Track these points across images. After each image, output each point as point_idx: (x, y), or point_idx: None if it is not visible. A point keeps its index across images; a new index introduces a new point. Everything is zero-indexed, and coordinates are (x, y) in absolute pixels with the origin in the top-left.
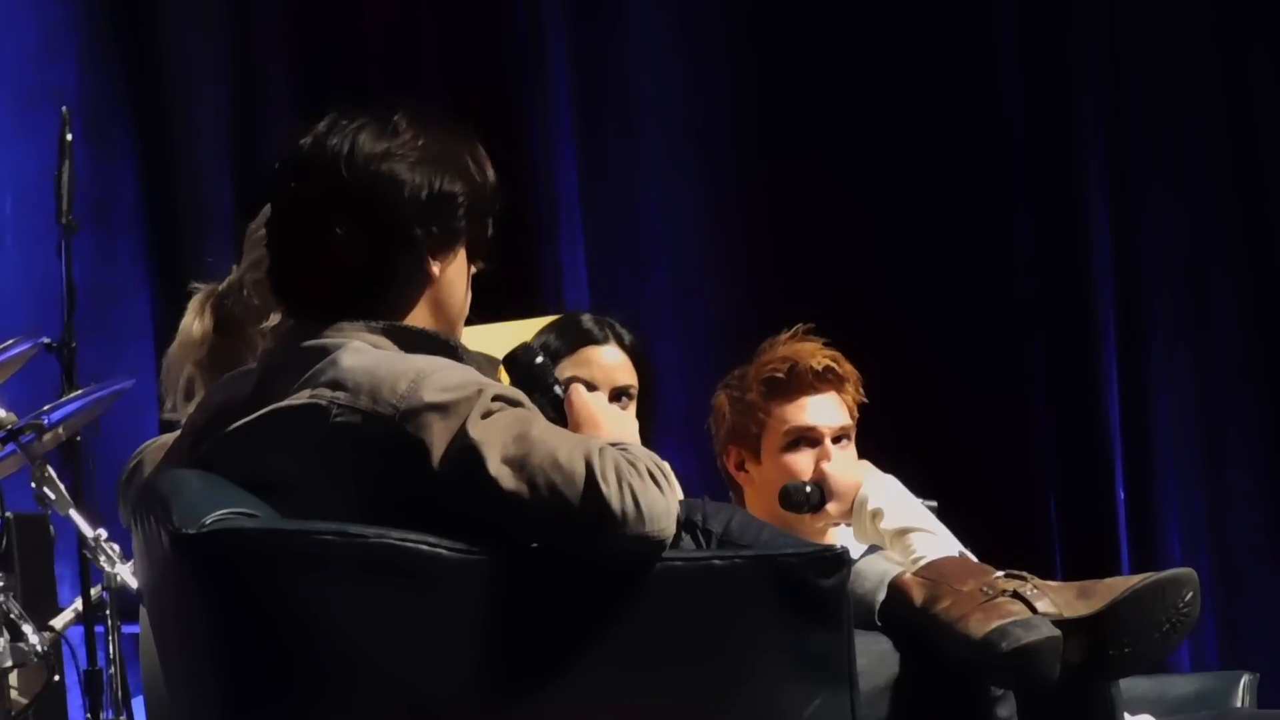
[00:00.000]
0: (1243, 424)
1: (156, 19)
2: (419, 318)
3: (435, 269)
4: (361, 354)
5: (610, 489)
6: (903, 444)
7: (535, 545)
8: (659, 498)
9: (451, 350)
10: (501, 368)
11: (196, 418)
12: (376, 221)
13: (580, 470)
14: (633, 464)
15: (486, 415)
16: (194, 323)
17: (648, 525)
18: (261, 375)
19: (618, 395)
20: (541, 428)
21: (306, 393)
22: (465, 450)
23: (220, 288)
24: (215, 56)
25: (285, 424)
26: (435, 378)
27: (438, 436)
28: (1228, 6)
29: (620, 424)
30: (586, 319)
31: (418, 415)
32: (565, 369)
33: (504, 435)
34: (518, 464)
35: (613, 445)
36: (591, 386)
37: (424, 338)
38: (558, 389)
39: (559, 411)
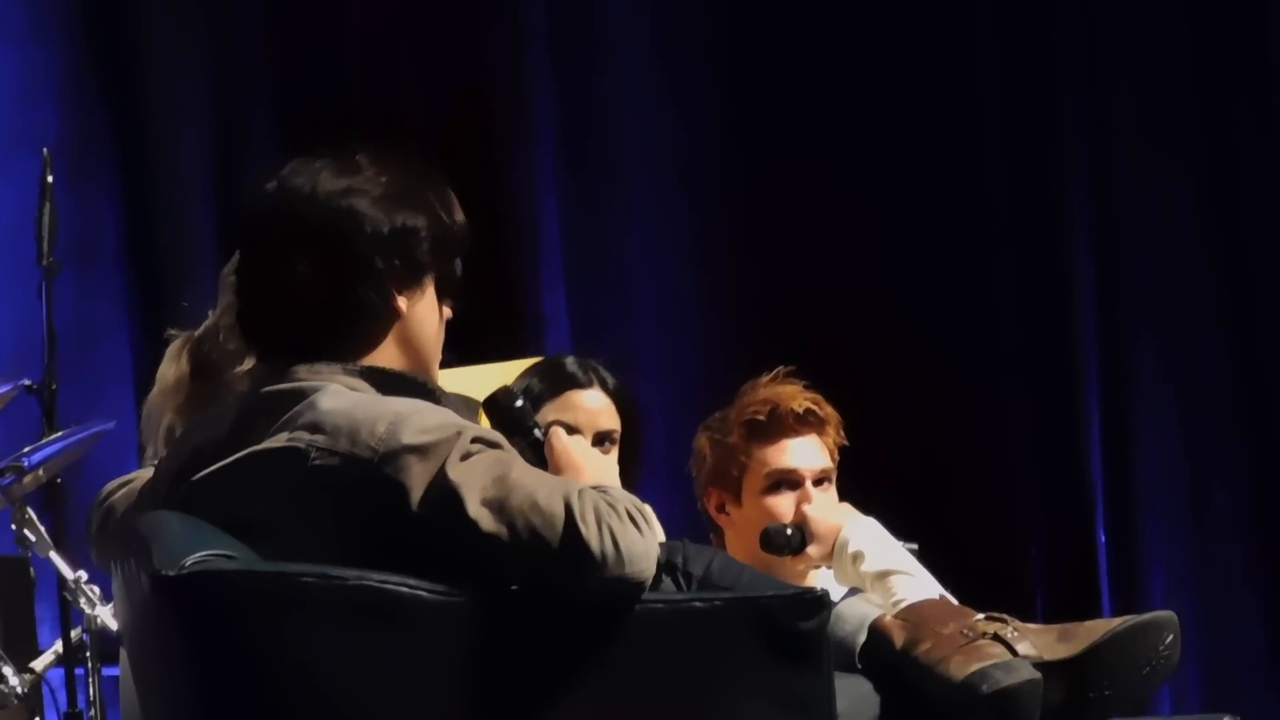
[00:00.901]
0: (1226, 468)
1: (138, 61)
2: (388, 355)
3: (401, 304)
4: (340, 396)
5: (590, 530)
6: (884, 487)
7: (515, 587)
8: (638, 539)
9: (429, 393)
10: (481, 411)
11: (169, 462)
12: (338, 256)
13: (559, 512)
14: (612, 506)
15: (466, 457)
16: (171, 369)
17: (627, 567)
18: (237, 417)
19: (601, 440)
20: (521, 470)
21: (285, 435)
22: (444, 492)
23: (197, 333)
24: (197, 99)
25: (264, 467)
26: (414, 420)
27: (417, 478)
28: (1208, 49)
29: (601, 468)
30: (570, 362)
31: (397, 457)
32: (548, 412)
33: (483, 477)
34: (497, 506)
35: (593, 488)
36: (574, 430)
37: (401, 380)
38: (538, 433)
39: (539, 455)
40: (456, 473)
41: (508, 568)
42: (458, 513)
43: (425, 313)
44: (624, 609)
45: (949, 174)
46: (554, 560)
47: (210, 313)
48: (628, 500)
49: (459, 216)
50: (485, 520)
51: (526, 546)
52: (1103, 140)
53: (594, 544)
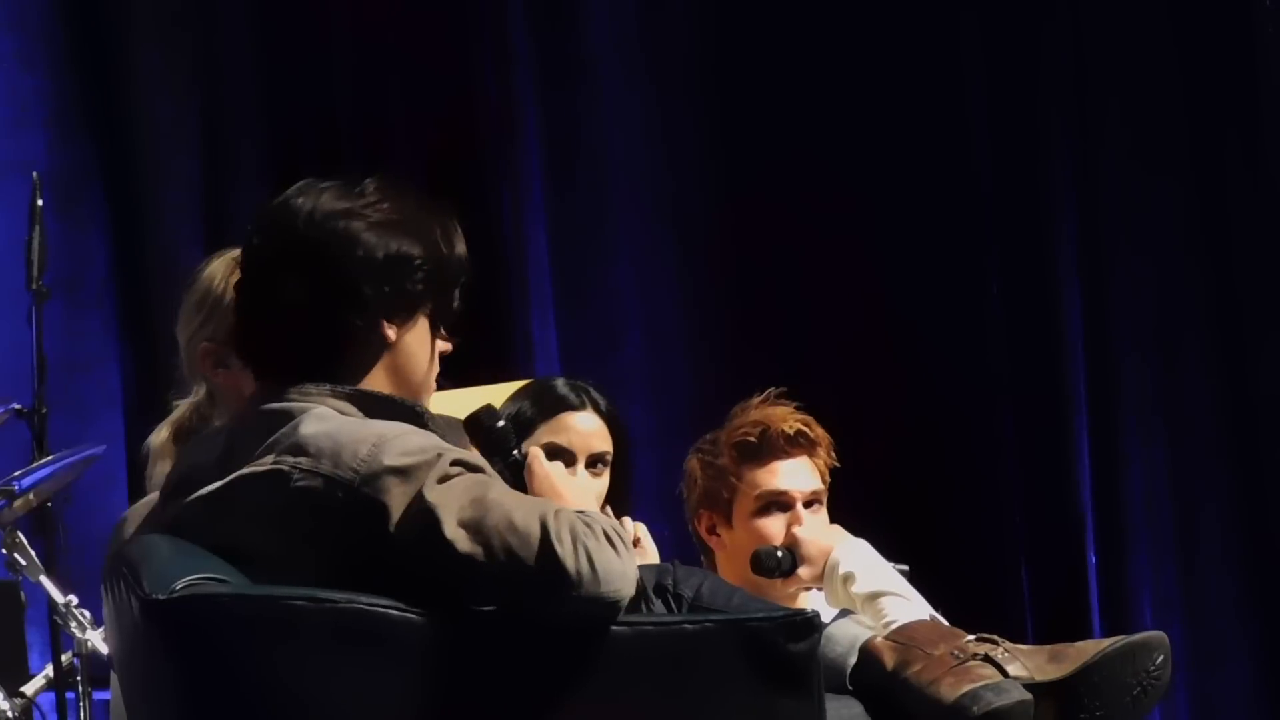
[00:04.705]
0: (1214, 491)
1: (127, 90)
2: (377, 382)
3: (390, 333)
4: (324, 419)
5: (565, 550)
6: (875, 509)
7: (492, 608)
8: (614, 559)
9: (416, 416)
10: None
11: (167, 483)
12: (325, 278)
13: (535, 531)
14: (589, 525)
15: (444, 479)
16: (153, 439)
17: (603, 586)
18: (229, 438)
19: (594, 462)
20: (499, 491)
21: (269, 458)
22: (422, 513)
23: (182, 415)
24: (186, 128)
25: (249, 491)
26: (396, 442)
27: (396, 500)
28: (1197, 70)
29: (579, 493)
30: (561, 384)
31: (378, 479)
32: (541, 435)
33: (461, 499)
34: (474, 526)
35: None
36: (568, 452)
37: (388, 403)
38: (516, 454)
39: (518, 476)
40: (434, 494)
41: (485, 588)
42: (435, 534)
43: (416, 344)
44: (612, 631)
45: (937, 200)
46: (530, 579)
47: (195, 388)
48: (605, 522)
49: (460, 249)
50: (462, 541)
51: (503, 566)
52: (1091, 162)
53: (569, 563)
